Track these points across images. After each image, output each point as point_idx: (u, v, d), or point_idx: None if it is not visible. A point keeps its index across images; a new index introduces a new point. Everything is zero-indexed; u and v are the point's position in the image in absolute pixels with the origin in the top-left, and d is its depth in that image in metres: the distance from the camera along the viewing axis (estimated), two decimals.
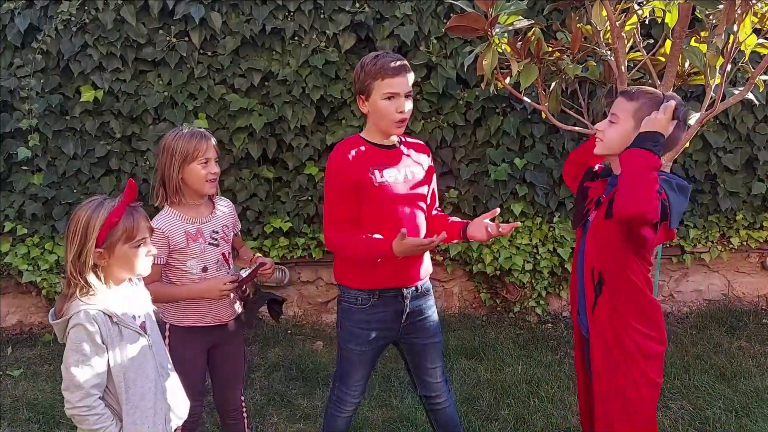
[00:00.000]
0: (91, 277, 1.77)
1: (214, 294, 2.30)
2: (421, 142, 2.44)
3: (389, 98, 2.18)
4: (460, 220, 2.40)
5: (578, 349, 2.23)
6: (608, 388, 1.99)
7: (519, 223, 2.34)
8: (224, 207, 2.46)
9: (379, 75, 2.16)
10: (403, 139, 2.34)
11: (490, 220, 2.30)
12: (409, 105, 2.21)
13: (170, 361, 1.99)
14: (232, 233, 2.46)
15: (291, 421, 3.12)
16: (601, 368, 2.01)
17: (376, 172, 2.21)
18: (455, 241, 2.38)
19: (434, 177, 2.44)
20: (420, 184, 2.30)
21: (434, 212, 2.47)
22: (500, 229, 2.23)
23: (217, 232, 2.37)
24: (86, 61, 3.89)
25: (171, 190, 2.28)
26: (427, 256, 2.36)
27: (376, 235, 2.19)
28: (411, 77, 2.22)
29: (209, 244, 2.33)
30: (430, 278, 2.41)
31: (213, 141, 2.34)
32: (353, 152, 2.23)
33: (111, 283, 1.83)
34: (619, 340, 1.96)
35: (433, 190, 2.44)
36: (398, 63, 2.18)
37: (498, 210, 2.31)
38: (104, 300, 1.79)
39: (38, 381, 3.56)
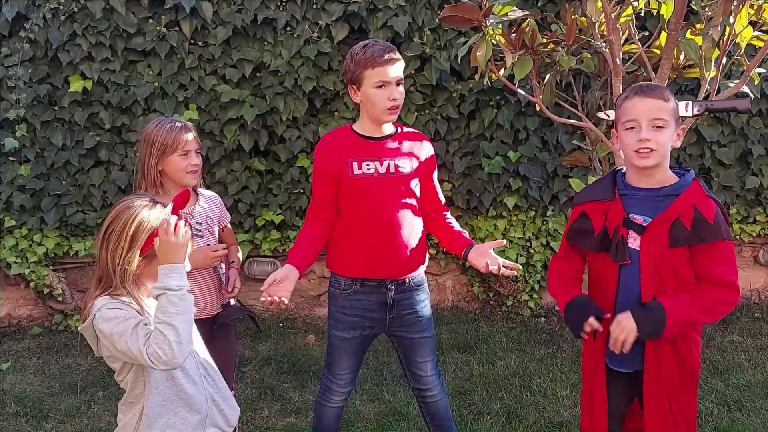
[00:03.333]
0: (130, 285, 1.66)
1: (205, 262, 2.31)
2: (420, 133, 2.38)
3: (380, 87, 2.17)
4: (466, 236, 2.33)
5: (603, 387, 2.02)
6: (671, 416, 1.91)
7: (519, 267, 2.25)
8: (209, 199, 2.44)
9: (369, 64, 2.15)
10: (399, 131, 2.31)
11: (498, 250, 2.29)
12: (399, 93, 2.20)
13: (214, 367, 1.91)
14: (217, 226, 2.44)
15: (282, 414, 3.10)
16: (662, 399, 1.90)
17: (354, 163, 2.21)
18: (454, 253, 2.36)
19: (434, 173, 2.38)
20: (406, 178, 2.26)
21: (445, 215, 2.40)
22: (501, 270, 2.16)
23: (200, 224, 2.35)
24: (75, 51, 3.84)
25: (149, 181, 2.27)
26: (419, 250, 2.32)
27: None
28: (401, 64, 2.21)
29: (192, 235, 2.31)
30: None
31: (194, 133, 2.32)
32: (336, 142, 2.26)
33: (143, 294, 1.73)
34: (685, 365, 1.89)
35: (434, 187, 2.38)
36: (388, 51, 2.17)
37: (504, 241, 2.27)
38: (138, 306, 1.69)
39: (26, 374, 3.52)
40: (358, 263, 2.26)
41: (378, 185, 2.22)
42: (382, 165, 2.23)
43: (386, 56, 2.15)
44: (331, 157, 2.24)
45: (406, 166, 2.26)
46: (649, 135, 1.83)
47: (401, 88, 2.22)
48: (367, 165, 2.22)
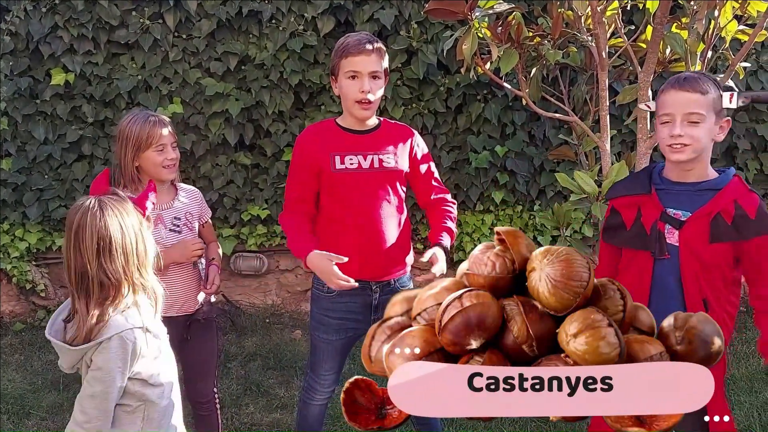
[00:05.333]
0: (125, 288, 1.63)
1: (186, 255, 2.28)
2: (405, 126, 2.33)
3: (352, 77, 2.13)
4: (442, 233, 2.23)
5: None
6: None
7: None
8: (188, 194, 2.41)
9: (343, 54, 2.12)
10: (382, 124, 2.27)
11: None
12: (374, 85, 2.14)
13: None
14: (197, 222, 2.41)
15: (267, 410, 3.08)
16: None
17: (337, 157, 2.17)
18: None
19: (428, 163, 2.31)
20: (390, 173, 2.21)
21: (443, 200, 2.32)
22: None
23: (179, 219, 2.32)
24: (57, 43, 3.78)
25: (127, 178, 2.24)
26: (404, 249, 2.27)
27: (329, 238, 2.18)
28: (377, 57, 2.14)
29: (170, 230, 2.28)
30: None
31: (169, 127, 2.29)
32: (318, 135, 2.22)
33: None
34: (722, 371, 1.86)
35: (427, 177, 2.31)
36: (364, 42, 2.12)
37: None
38: (138, 312, 1.66)
39: (8, 371, 3.48)
40: (344, 265, 2.17)
41: (361, 180, 2.17)
42: (365, 159, 2.18)
43: (360, 46, 2.10)
44: (313, 151, 2.19)
45: (391, 160, 2.21)
46: (682, 130, 1.80)
47: (379, 83, 2.15)
48: (350, 159, 2.17)
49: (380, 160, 2.19)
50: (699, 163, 1.85)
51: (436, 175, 2.36)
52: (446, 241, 2.22)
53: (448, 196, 2.35)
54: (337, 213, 2.20)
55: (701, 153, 1.84)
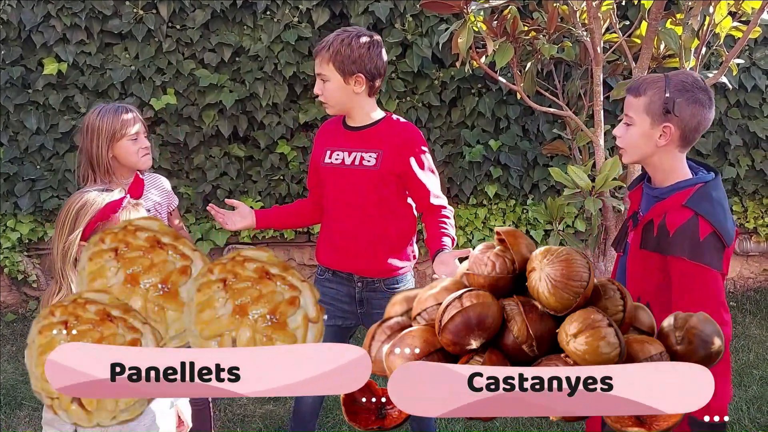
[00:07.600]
0: (73, 275, 1.56)
1: None
2: (407, 130, 2.21)
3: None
4: (443, 239, 2.08)
5: None
6: None
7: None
8: (156, 183, 2.42)
9: None
10: (383, 120, 2.20)
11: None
12: (321, 87, 2.13)
13: None
14: (166, 211, 2.42)
15: (260, 402, 3.09)
16: None
17: (328, 152, 2.21)
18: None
19: (420, 168, 2.15)
20: (370, 172, 2.14)
21: (437, 211, 2.16)
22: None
23: (148, 210, 2.32)
24: (49, 33, 3.75)
25: (102, 171, 2.23)
26: (394, 252, 2.21)
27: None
28: (320, 60, 2.11)
29: None
30: None
31: (139, 115, 2.31)
32: (326, 127, 2.31)
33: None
34: None
35: (415, 184, 2.15)
36: (319, 45, 2.14)
37: (470, 250, 2.09)
38: None
39: (0, 362, 3.48)
40: (325, 252, 2.28)
41: (341, 177, 2.17)
42: (350, 156, 2.17)
43: (316, 49, 2.16)
44: (317, 143, 2.30)
45: (372, 160, 2.15)
46: (618, 131, 1.78)
47: (327, 84, 2.11)
48: (338, 155, 2.19)
49: (362, 158, 2.16)
50: (652, 168, 1.81)
51: (433, 184, 2.19)
52: (448, 243, 2.09)
53: (445, 204, 2.20)
54: (324, 206, 2.28)
55: (647, 158, 1.78)
